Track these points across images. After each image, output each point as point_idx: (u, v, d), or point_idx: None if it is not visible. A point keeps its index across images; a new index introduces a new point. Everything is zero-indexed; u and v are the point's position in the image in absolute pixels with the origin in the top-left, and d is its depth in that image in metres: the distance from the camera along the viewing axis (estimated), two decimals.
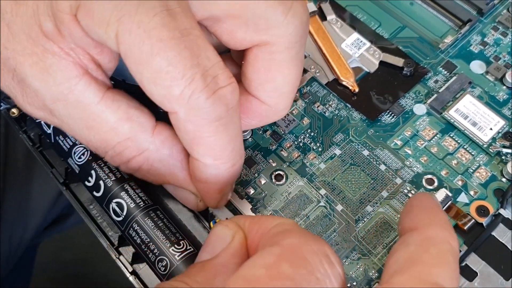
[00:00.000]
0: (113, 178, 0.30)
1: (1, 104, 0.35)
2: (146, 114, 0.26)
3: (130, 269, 0.29)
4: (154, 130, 0.26)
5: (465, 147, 0.31)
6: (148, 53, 0.21)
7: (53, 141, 0.32)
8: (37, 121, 0.33)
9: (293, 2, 0.24)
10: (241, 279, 0.18)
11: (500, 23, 0.35)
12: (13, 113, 0.34)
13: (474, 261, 0.28)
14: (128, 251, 0.30)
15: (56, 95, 0.24)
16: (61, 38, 0.23)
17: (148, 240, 0.28)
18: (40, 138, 0.34)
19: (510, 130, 0.31)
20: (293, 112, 0.33)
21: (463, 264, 0.28)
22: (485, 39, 0.35)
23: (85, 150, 0.31)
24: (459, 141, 0.31)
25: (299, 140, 0.32)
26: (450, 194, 0.30)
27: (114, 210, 0.29)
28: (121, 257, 0.30)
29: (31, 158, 0.51)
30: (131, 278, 0.29)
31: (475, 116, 0.32)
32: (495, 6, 0.36)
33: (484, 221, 0.29)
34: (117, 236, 0.30)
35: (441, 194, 0.30)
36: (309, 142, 0.32)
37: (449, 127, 0.32)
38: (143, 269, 0.30)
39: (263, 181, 0.31)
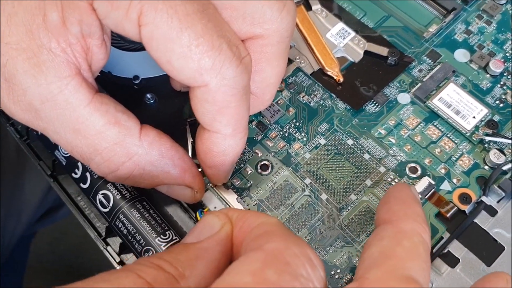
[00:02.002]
0: None
1: None
2: (133, 118, 0.26)
3: (118, 259, 0.30)
4: (141, 133, 0.26)
5: (448, 135, 0.32)
6: (178, 28, 0.22)
7: (39, 133, 0.32)
8: None
9: (287, 0, 0.26)
10: (227, 285, 0.19)
11: (485, 12, 0.35)
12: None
13: (457, 248, 0.29)
14: (115, 242, 0.31)
15: (45, 94, 0.23)
16: (63, 30, 0.23)
17: (135, 231, 0.28)
18: (27, 131, 0.34)
19: (493, 118, 0.32)
20: (279, 102, 0.33)
21: (446, 251, 0.29)
22: (470, 28, 0.35)
23: None
24: (442, 130, 0.32)
25: (285, 130, 0.32)
26: (433, 182, 0.30)
27: (100, 202, 0.29)
28: (109, 248, 0.30)
29: (23, 151, 0.52)
30: (119, 268, 0.30)
31: (458, 104, 0.32)
32: None
33: (466, 208, 0.29)
34: (104, 227, 0.31)
35: (424, 182, 0.30)
36: (294, 132, 0.32)
37: (432, 116, 0.32)
38: (130, 259, 0.30)
39: (248, 171, 0.31)
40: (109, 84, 0.35)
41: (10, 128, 0.34)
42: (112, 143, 0.25)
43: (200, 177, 0.28)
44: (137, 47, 0.35)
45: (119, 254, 0.30)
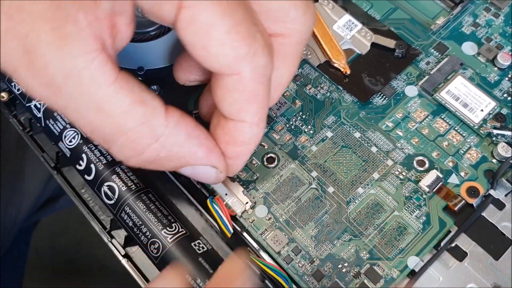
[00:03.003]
0: (104, 162, 0.30)
1: None
2: (157, 97, 0.24)
3: (123, 252, 0.30)
4: (166, 113, 0.24)
5: (456, 128, 0.31)
6: (220, 13, 0.22)
7: (43, 125, 0.32)
8: (27, 105, 0.32)
9: (311, 3, 0.26)
10: None
11: (492, 4, 0.35)
12: (3, 97, 0.34)
13: (464, 242, 0.29)
14: (120, 235, 0.30)
15: (69, 68, 0.21)
16: (92, 4, 0.21)
17: (140, 223, 0.28)
18: (30, 122, 0.34)
19: (501, 111, 0.31)
20: (285, 94, 0.33)
21: (453, 245, 0.29)
22: (477, 20, 0.35)
23: (75, 133, 0.31)
24: (450, 123, 0.32)
25: (291, 122, 0.32)
26: (440, 175, 0.30)
27: (105, 194, 0.29)
28: (113, 241, 0.30)
29: (23, 141, 0.51)
30: (124, 261, 0.30)
31: (466, 97, 0.32)
32: None
33: (474, 202, 0.29)
34: (109, 219, 0.30)
35: (431, 175, 0.30)
36: (300, 124, 0.32)
37: (440, 109, 0.32)
38: (136, 252, 0.30)
39: (255, 164, 0.31)
40: None
41: (13, 120, 0.34)
42: (139, 123, 0.23)
43: (224, 157, 0.27)
44: (141, 38, 0.35)
45: (124, 247, 0.30)
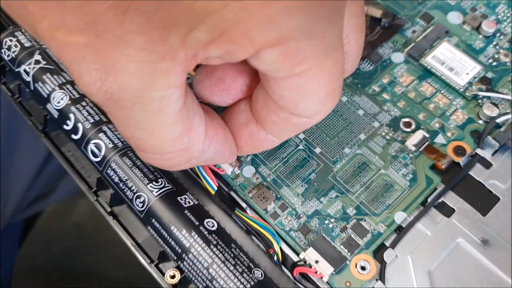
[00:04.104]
0: (92, 121, 0.30)
1: None
2: (202, 118, 0.23)
3: (109, 210, 0.29)
4: (206, 136, 0.24)
5: (442, 92, 0.32)
6: (325, 83, 0.21)
7: (32, 88, 0.32)
8: (16, 70, 0.33)
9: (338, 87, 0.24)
10: None
11: None
12: None
13: (452, 199, 0.29)
14: (106, 195, 0.30)
15: (143, 97, 0.20)
16: (202, 49, 0.19)
17: (126, 178, 0.28)
18: (19, 89, 0.34)
19: (486, 75, 0.32)
20: None
21: (440, 201, 0.29)
22: None
23: (64, 95, 0.31)
24: (436, 87, 0.32)
25: None
26: (427, 135, 0.30)
27: (92, 151, 0.29)
28: (99, 199, 0.30)
29: (12, 128, 0.51)
30: (110, 219, 0.29)
31: (451, 62, 0.32)
32: None
33: (461, 160, 0.29)
34: (96, 179, 0.30)
35: (418, 135, 0.30)
36: None
37: (426, 74, 0.32)
38: (123, 211, 0.30)
39: None
40: None
41: (2, 87, 0.34)
42: (179, 149, 0.23)
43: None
44: None
45: (110, 206, 0.30)
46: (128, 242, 0.29)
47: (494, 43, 0.33)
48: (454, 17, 0.34)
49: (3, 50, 0.33)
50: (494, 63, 0.32)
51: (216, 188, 0.28)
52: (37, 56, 0.32)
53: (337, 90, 0.22)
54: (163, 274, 0.27)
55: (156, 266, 0.28)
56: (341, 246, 0.27)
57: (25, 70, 0.32)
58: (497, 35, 0.33)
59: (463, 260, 0.27)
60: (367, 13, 0.34)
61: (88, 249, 0.83)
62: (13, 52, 0.33)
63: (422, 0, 0.35)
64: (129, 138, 0.22)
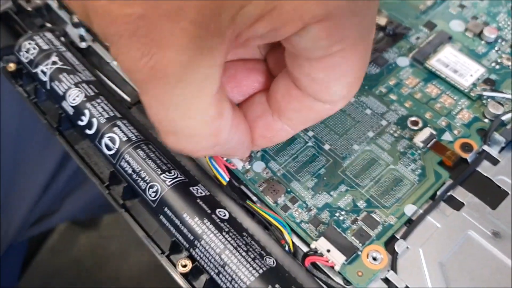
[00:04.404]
0: (106, 116, 0.30)
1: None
2: (230, 105, 0.23)
3: (121, 202, 0.30)
4: (232, 124, 0.24)
5: (447, 93, 0.32)
6: (357, 65, 0.23)
7: (48, 87, 0.33)
8: (33, 71, 0.34)
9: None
10: None
11: None
12: (10, 67, 0.35)
13: (461, 193, 0.29)
14: (118, 190, 0.30)
15: (188, 75, 0.20)
16: (249, 30, 0.20)
17: (140, 168, 0.28)
18: (35, 91, 0.35)
19: (490, 77, 0.33)
20: None
21: (449, 195, 0.29)
22: (463, 3, 0.37)
23: (79, 92, 0.31)
24: (441, 88, 0.33)
25: None
26: (434, 133, 0.30)
27: (106, 145, 0.30)
28: (112, 192, 0.30)
29: (20, 146, 0.52)
30: (122, 211, 0.30)
31: (455, 64, 0.33)
32: None
33: (468, 156, 0.30)
34: (108, 172, 0.30)
35: (425, 132, 0.30)
36: None
37: (431, 76, 0.33)
38: (134, 205, 0.30)
39: None
40: None
41: (19, 88, 0.35)
42: (209, 133, 0.22)
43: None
44: None
45: (123, 199, 0.30)
46: (140, 233, 0.29)
47: (496, 48, 0.34)
48: (456, 25, 0.36)
49: (21, 53, 0.34)
50: (497, 67, 0.33)
51: (227, 179, 0.29)
52: (54, 58, 0.33)
53: (362, 77, 0.23)
54: (174, 265, 0.27)
55: (167, 257, 0.28)
56: (352, 237, 0.27)
57: (42, 71, 0.33)
58: (499, 41, 0.34)
59: (474, 252, 0.27)
60: None
61: (87, 285, 0.81)
62: (32, 54, 0.34)
63: (425, 9, 0.36)
64: (160, 121, 0.22)
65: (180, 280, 0.27)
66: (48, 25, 0.39)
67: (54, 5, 0.39)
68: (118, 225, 0.84)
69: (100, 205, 0.61)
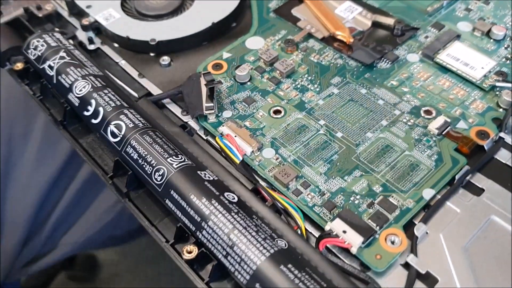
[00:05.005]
0: (113, 105, 0.30)
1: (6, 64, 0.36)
2: None
3: (125, 190, 0.28)
4: None
5: (459, 85, 0.32)
6: None
7: (55, 81, 0.32)
8: (41, 67, 0.33)
9: None
10: None
11: None
12: (18, 67, 0.35)
13: (480, 179, 0.28)
14: (122, 181, 0.29)
15: None
16: None
17: (146, 153, 0.27)
18: (41, 88, 0.34)
19: (501, 70, 0.32)
20: (290, 61, 0.34)
21: (467, 181, 0.28)
22: (469, 7, 0.37)
23: (86, 83, 0.31)
24: (452, 81, 0.32)
25: (297, 82, 0.33)
26: (449, 120, 0.30)
27: (112, 132, 0.29)
28: (115, 181, 0.29)
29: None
30: (125, 201, 0.28)
31: (466, 58, 0.33)
32: None
33: (485, 144, 0.29)
34: (112, 164, 0.29)
35: (440, 120, 0.30)
36: (307, 84, 0.33)
37: (442, 70, 0.33)
38: (139, 195, 0.29)
39: (261, 115, 0.31)
40: (128, 46, 0.36)
41: (25, 87, 0.35)
42: None
43: None
44: (152, 14, 0.37)
45: (127, 189, 0.29)
46: (143, 223, 0.27)
47: (505, 45, 0.34)
48: (464, 26, 0.36)
49: (29, 50, 0.34)
50: (508, 62, 0.33)
51: (241, 158, 0.28)
52: (62, 53, 0.33)
53: None
54: (179, 254, 0.26)
55: (172, 246, 0.26)
56: (369, 220, 0.26)
57: (49, 66, 0.33)
58: (508, 39, 0.34)
59: (498, 236, 0.26)
60: (380, 21, 0.36)
61: None
62: (39, 51, 0.34)
63: (432, 12, 0.37)
64: None
65: (186, 270, 0.25)
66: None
67: (65, 13, 0.40)
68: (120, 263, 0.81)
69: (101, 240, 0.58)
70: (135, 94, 0.33)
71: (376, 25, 0.36)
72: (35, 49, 0.34)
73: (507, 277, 0.24)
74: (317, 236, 0.26)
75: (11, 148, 0.49)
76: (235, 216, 0.24)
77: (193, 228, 0.25)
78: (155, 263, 0.67)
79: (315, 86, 0.32)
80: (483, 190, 0.27)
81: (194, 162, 0.27)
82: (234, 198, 0.26)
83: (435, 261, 0.25)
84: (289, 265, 0.23)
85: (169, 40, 0.35)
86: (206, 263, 0.26)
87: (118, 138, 0.29)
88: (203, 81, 0.32)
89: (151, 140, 0.28)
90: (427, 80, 0.32)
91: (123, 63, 0.36)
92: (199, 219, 0.25)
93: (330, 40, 0.35)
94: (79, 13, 0.39)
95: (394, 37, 0.35)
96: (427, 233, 0.26)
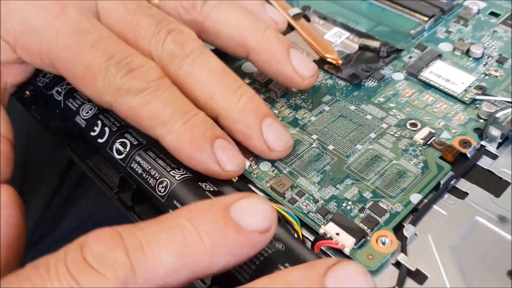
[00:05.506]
0: (118, 125, 0.32)
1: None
2: None
3: (130, 203, 0.30)
4: None
5: (442, 100, 0.34)
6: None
7: (62, 106, 0.34)
8: (48, 93, 0.35)
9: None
10: None
11: (461, 18, 0.40)
12: (27, 94, 0.37)
13: (464, 184, 0.30)
14: (127, 196, 0.31)
15: None
16: None
17: (150, 167, 0.29)
18: (49, 113, 0.36)
19: (480, 84, 0.35)
20: None
21: (453, 187, 0.29)
22: (449, 29, 0.40)
23: (92, 106, 0.33)
24: (436, 96, 0.34)
25: (291, 101, 0.35)
26: (433, 131, 0.32)
27: (117, 150, 0.31)
28: (120, 195, 0.30)
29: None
30: (131, 214, 0.30)
31: (447, 75, 0.35)
32: (454, 8, 0.41)
33: (468, 151, 0.31)
34: (118, 181, 0.31)
35: (424, 131, 0.32)
36: (300, 102, 0.35)
37: (425, 87, 0.35)
38: (142, 211, 0.30)
39: None
40: None
41: (32, 112, 0.37)
42: None
43: None
44: None
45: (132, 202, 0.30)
46: None
47: (483, 63, 0.36)
48: (445, 46, 0.38)
49: (38, 78, 0.36)
50: (487, 77, 0.35)
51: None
52: None
53: None
54: None
55: None
56: (361, 224, 0.27)
57: (57, 91, 0.35)
58: (485, 57, 0.37)
59: (483, 236, 0.27)
60: (367, 44, 0.38)
61: None
62: (47, 78, 0.36)
63: (415, 35, 0.39)
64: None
65: None
66: None
67: None
68: None
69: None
70: None
71: (363, 48, 0.38)
72: (43, 76, 0.36)
73: (491, 272, 0.25)
74: (312, 240, 0.28)
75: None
76: None
77: None
78: None
79: (308, 104, 0.35)
80: (467, 193, 0.29)
81: (194, 175, 0.29)
82: None
83: (424, 259, 0.26)
84: (286, 264, 0.24)
85: None
86: None
87: (123, 155, 0.30)
88: None
89: (154, 155, 0.30)
90: (412, 95, 0.35)
91: None
92: None
93: (320, 63, 0.38)
94: None
95: (380, 58, 0.38)
96: (416, 234, 0.27)
